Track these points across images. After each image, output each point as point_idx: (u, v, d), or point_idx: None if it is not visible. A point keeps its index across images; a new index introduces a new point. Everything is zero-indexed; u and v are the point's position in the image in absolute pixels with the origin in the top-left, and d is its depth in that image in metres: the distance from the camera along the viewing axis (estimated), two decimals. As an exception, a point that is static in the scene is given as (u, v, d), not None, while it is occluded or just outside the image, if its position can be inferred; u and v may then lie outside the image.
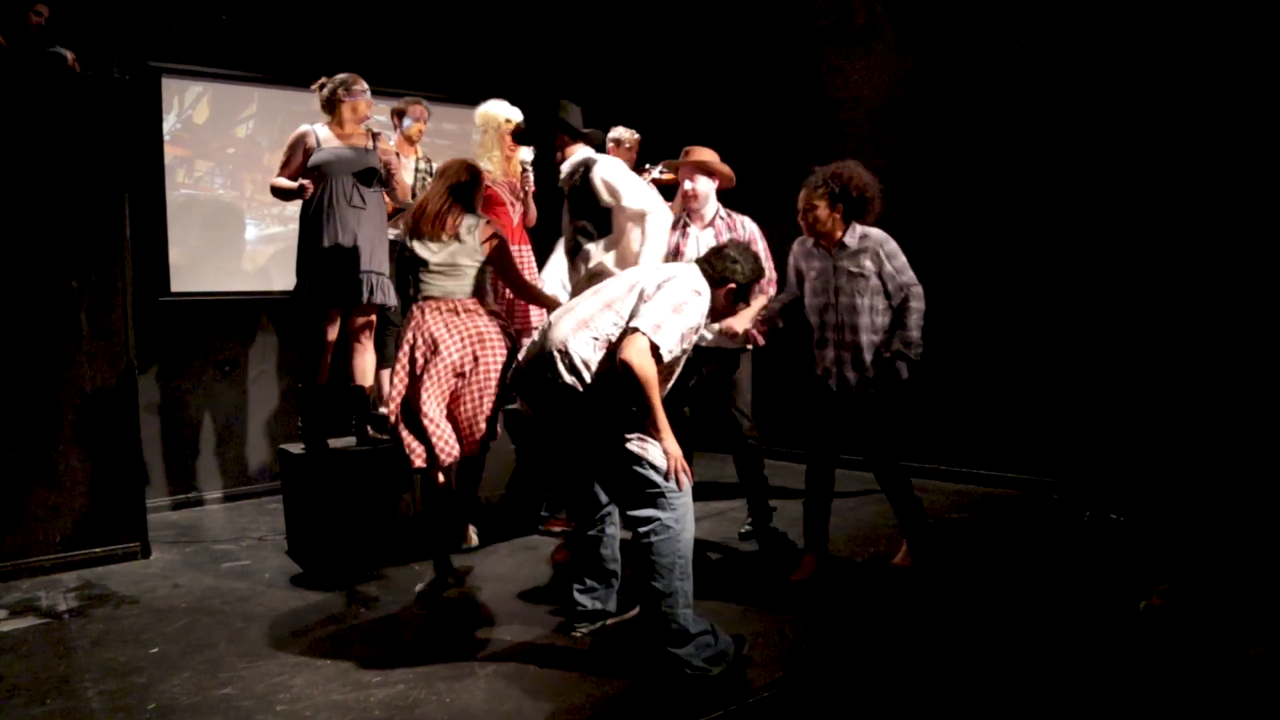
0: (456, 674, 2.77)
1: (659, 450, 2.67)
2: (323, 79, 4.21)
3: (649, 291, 2.75)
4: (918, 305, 3.49)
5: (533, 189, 4.59)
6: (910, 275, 3.52)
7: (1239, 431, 4.07)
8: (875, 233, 3.54)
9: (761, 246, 3.98)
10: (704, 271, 2.90)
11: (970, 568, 3.66)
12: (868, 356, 3.48)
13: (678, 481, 2.66)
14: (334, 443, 4.22)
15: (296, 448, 4.17)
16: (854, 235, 3.53)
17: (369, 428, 4.24)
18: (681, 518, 2.68)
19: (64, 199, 4.10)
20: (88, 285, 4.13)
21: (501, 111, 4.50)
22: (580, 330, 2.73)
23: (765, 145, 6.26)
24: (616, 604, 3.13)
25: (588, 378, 2.68)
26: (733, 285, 2.91)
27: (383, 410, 4.54)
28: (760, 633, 3.02)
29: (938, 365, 4.59)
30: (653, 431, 2.67)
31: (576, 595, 3.10)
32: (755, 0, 6.37)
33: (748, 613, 3.23)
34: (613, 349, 2.70)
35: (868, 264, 3.49)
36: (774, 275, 3.97)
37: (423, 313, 3.51)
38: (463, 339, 3.45)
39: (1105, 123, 4.58)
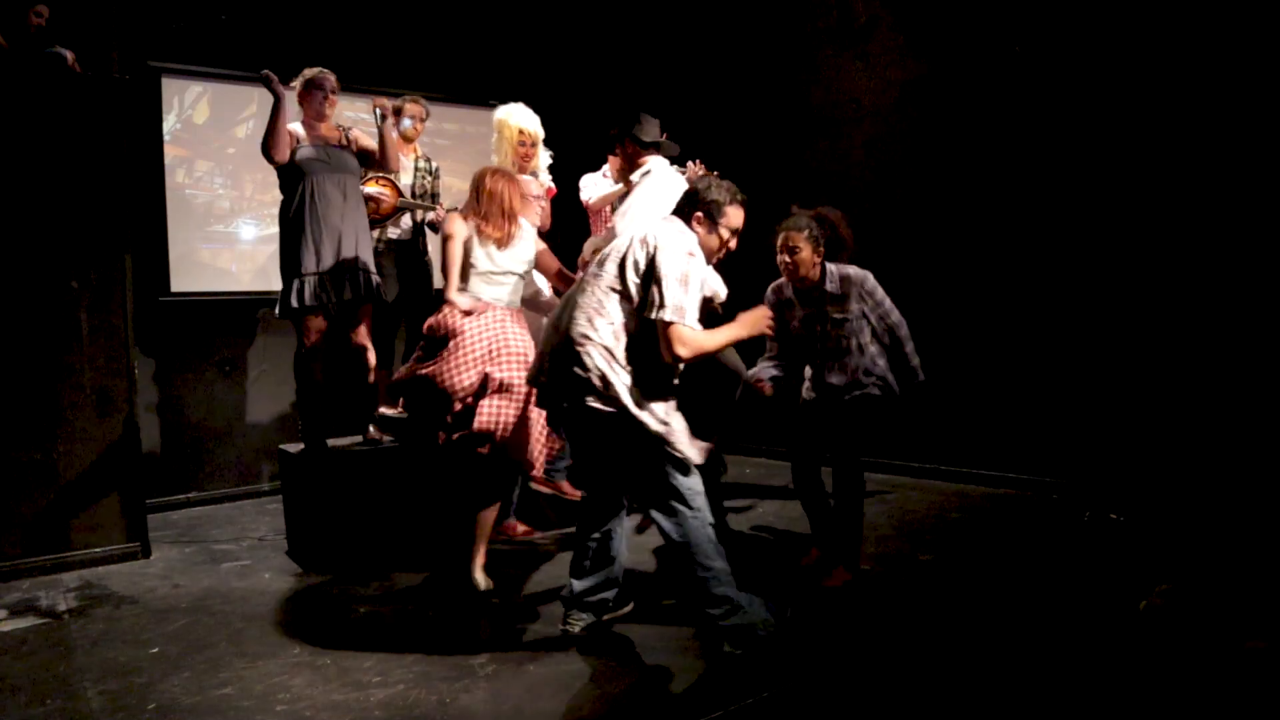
0: (456, 674, 2.77)
1: (680, 434, 2.76)
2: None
3: (641, 263, 2.76)
4: (908, 341, 3.51)
5: (553, 190, 4.60)
6: (892, 311, 3.49)
7: (1239, 431, 4.07)
8: (852, 272, 3.47)
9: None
10: (679, 213, 2.91)
11: (970, 568, 3.66)
12: (864, 382, 3.47)
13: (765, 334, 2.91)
14: (334, 443, 4.22)
15: (296, 448, 4.17)
16: (832, 279, 3.45)
17: (370, 427, 4.24)
18: (702, 504, 2.80)
19: (64, 199, 4.10)
20: (88, 285, 4.13)
21: (514, 120, 4.49)
22: (596, 318, 2.76)
23: (765, 145, 6.27)
24: (615, 601, 3.13)
25: (614, 366, 2.72)
26: (697, 214, 2.88)
27: (383, 410, 4.55)
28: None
29: (938, 366, 4.57)
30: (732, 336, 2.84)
31: (574, 584, 3.10)
32: (755, 1, 6.37)
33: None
34: (632, 332, 2.76)
35: (853, 307, 3.44)
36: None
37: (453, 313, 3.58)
38: (487, 329, 3.52)
39: (1105, 123, 4.58)
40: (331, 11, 5.86)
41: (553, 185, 4.82)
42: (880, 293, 3.50)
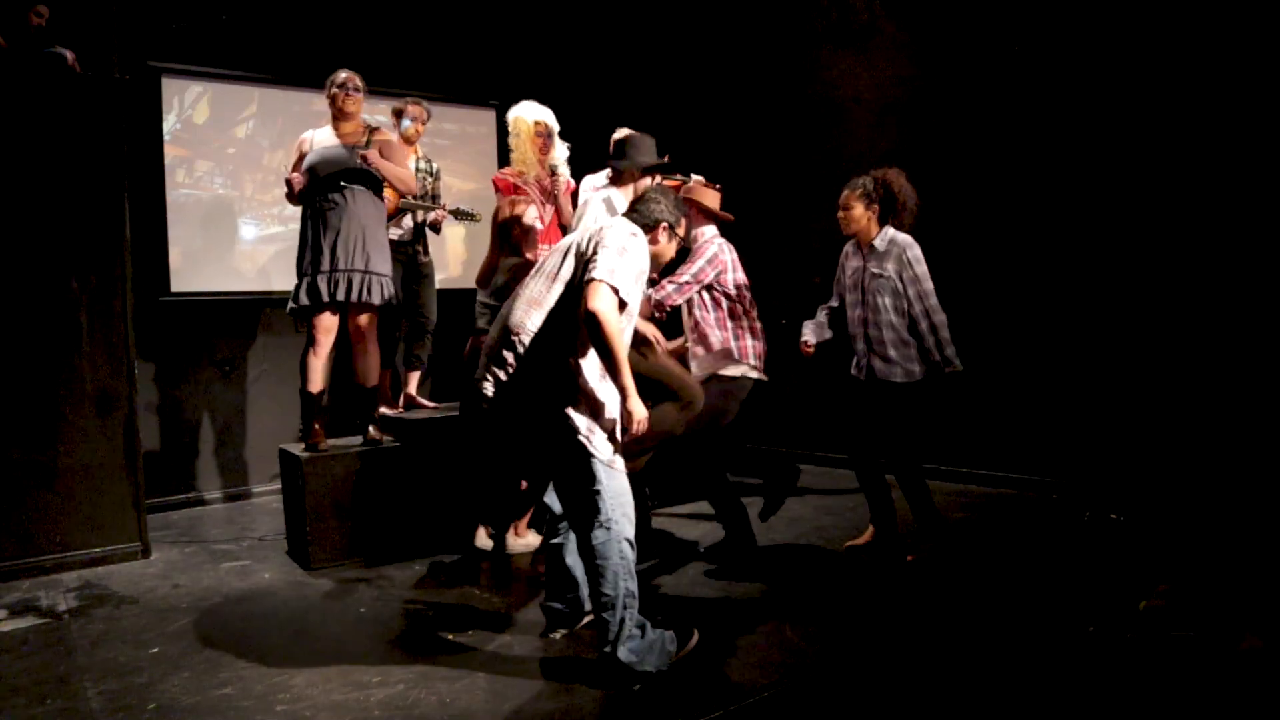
0: (456, 674, 2.77)
1: (603, 439, 2.67)
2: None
3: (585, 247, 2.73)
4: (937, 320, 3.60)
5: (571, 186, 4.60)
6: (928, 288, 3.62)
7: (1238, 431, 4.06)
8: (902, 237, 3.69)
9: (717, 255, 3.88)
10: (634, 220, 2.90)
11: (970, 567, 3.66)
12: (891, 353, 3.65)
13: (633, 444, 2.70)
14: (334, 443, 4.22)
15: (296, 448, 4.17)
16: (884, 238, 3.70)
17: (370, 427, 4.24)
18: (619, 517, 2.66)
19: (64, 199, 4.10)
20: (88, 285, 4.13)
21: (528, 114, 4.52)
22: (533, 310, 2.72)
23: (766, 145, 6.27)
24: (588, 606, 3.11)
25: (543, 358, 2.67)
26: (665, 224, 2.94)
27: (383, 410, 4.55)
28: (760, 632, 3.02)
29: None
30: (617, 385, 2.62)
31: (547, 601, 3.10)
32: (757, 1, 6.37)
33: (746, 612, 3.23)
34: (564, 320, 2.68)
35: (890, 267, 3.65)
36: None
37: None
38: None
39: (1105, 123, 4.58)
40: (332, 12, 5.86)
41: (571, 180, 4.79)
42: (920, 265, 3.65)
